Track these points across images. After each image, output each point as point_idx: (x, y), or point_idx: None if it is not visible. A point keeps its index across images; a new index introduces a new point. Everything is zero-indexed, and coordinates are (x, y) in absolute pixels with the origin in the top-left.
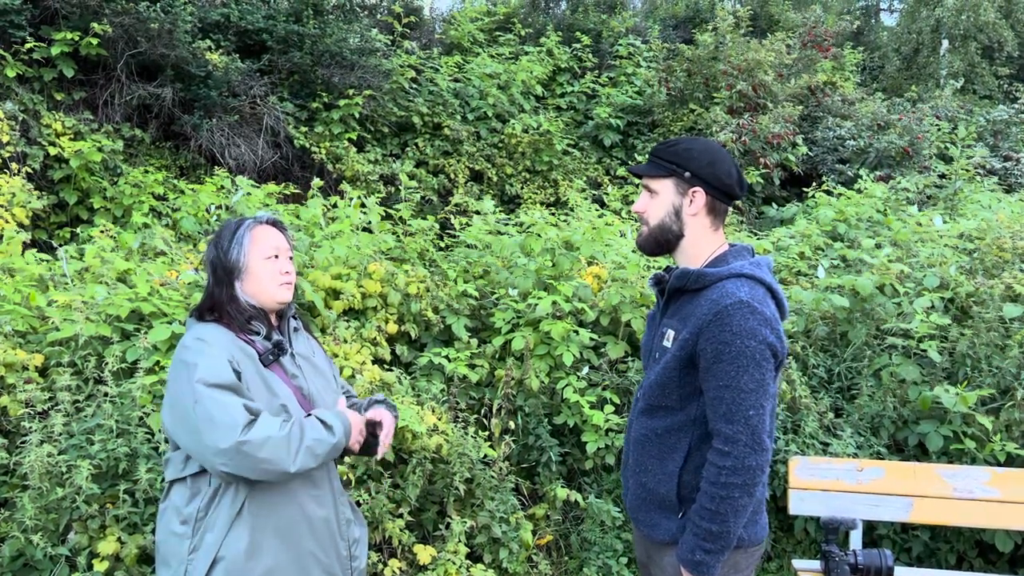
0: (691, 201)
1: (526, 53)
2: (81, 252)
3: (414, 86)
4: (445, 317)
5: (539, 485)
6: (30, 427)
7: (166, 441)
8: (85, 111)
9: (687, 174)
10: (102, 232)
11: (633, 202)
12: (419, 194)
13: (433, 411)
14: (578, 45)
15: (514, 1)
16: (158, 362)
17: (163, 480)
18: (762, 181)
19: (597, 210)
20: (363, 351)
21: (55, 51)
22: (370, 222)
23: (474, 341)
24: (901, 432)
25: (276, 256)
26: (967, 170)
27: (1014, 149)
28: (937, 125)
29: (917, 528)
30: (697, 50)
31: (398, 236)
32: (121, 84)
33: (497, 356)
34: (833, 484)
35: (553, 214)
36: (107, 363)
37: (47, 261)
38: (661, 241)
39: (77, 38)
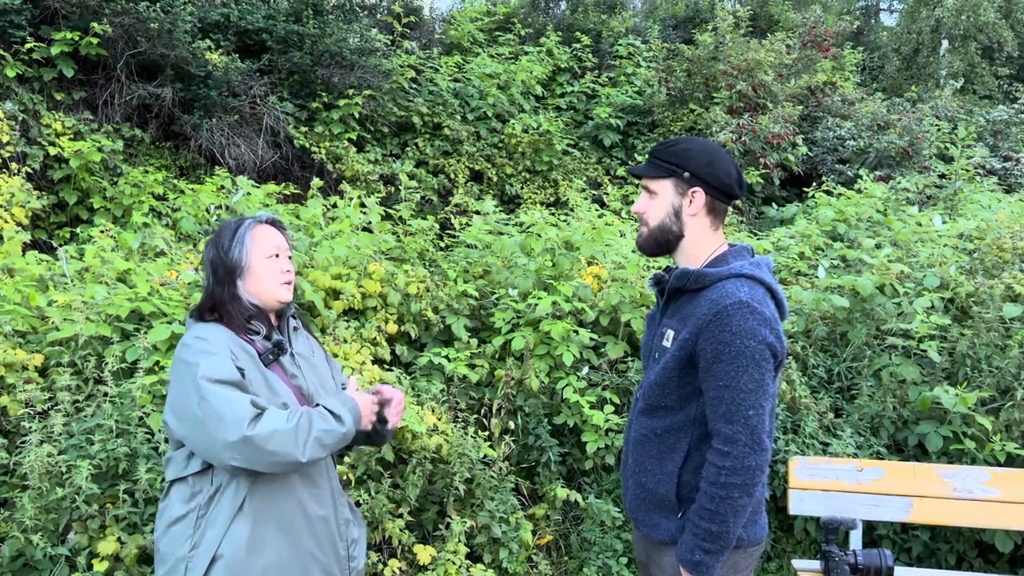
0: (691, 201)
1: (526, 53)
2: (81, 252)
3: (414, 86)
4: (445, 317)
5: (539, 485)
6: (30, 427)
7: (166, 441)
8: (85, 111)
9: (686, 174)
10: (102, 232)
11: (633, 202)
12: (419, 194)
13: (433, 411)
14: (578, 45)
15: (514, 1)
16: (158, 362)
17: (163, 480)
18: (762, 181)
19: (597, 210)
20: (363, 351)
21: (55, 51)
22: (370, 222)
23: (474, 341)
24: (901, 432)
25: (277, 255)
26: (967, 170)
27: (1014, 149)
28: (937, 125)
29: (917, 528)
30: (697, 50)
31: (398, 236)
32: (121, 84)
33: (497, 356)
34: (833, 484)
35: (553, 214)
36: (107, 363)
37: (47, 261)
38: (661, 241)
39: (77, 38)
